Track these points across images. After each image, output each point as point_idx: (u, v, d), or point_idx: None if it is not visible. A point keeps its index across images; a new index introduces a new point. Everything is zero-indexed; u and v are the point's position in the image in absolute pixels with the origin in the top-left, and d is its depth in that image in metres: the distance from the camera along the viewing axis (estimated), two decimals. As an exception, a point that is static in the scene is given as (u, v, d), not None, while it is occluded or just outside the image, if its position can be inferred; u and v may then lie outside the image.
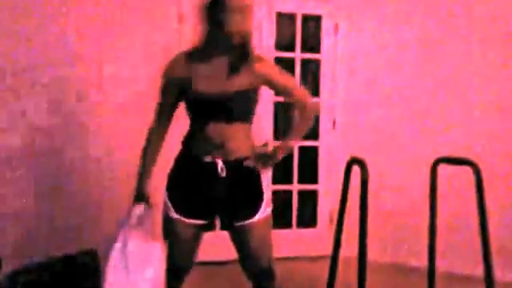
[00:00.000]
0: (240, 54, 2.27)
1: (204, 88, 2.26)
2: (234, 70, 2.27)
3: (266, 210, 2.37)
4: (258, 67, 2.30)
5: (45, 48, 3.57)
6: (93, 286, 3.20)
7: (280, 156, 2.42)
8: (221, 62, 2.29)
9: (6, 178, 3.46)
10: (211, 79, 2.27)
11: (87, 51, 3.77)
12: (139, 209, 2.31)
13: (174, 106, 2.39)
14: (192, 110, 2.33)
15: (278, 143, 2.51)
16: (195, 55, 2.31)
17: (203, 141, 2.30)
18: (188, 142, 2.39)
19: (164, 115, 2.38)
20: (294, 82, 2.56)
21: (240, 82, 2.27)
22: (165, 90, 2.35)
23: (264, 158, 2.38)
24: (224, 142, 2.27)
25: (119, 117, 3.85)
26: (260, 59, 2.34)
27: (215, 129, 2.27)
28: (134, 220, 2.27)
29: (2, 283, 2.91)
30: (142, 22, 3.91)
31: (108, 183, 3.82)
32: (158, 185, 2.46)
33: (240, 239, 2.39)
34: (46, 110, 3.57)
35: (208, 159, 2.29)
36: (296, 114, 2.49)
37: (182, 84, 2.30)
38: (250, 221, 2.33)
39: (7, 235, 3.50)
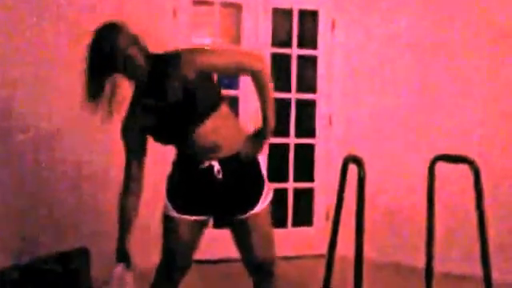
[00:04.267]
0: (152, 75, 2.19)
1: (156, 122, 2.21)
2: (158, 87, 2.18)
3: (266, 199, 2.34)
4: (182, 65, 2.15)
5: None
6: (84, 284, 3.18)
7: (267, 135, 2.30)
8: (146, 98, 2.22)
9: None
10: (154, 110, 2.20)
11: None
12: (119, 270, 2.24)
13: (142, 144, 2.30)
14: (165, 142, 2.29)
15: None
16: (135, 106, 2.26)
17: (195, 151, 2.24)
18: (181, 153, 2.34)
19: (134, 153, 2.29)
20: (230, 57, 2.26)
21: (173, 89, 2.16)
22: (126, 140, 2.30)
23: (252, 142, 2.31)
24: (213, 142, 2.22)
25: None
26: (179, 56, 2.17)
27: (197, 136, 2.20)
28: (113, 284, 2.22)
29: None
30: (136, 16, 3.87)
31: (102, 182, 3.78)
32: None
33: (242, 232, 2.36)
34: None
35: (204, 165, 2.25)
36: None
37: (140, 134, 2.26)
38: (252, 212, 2.30)
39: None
